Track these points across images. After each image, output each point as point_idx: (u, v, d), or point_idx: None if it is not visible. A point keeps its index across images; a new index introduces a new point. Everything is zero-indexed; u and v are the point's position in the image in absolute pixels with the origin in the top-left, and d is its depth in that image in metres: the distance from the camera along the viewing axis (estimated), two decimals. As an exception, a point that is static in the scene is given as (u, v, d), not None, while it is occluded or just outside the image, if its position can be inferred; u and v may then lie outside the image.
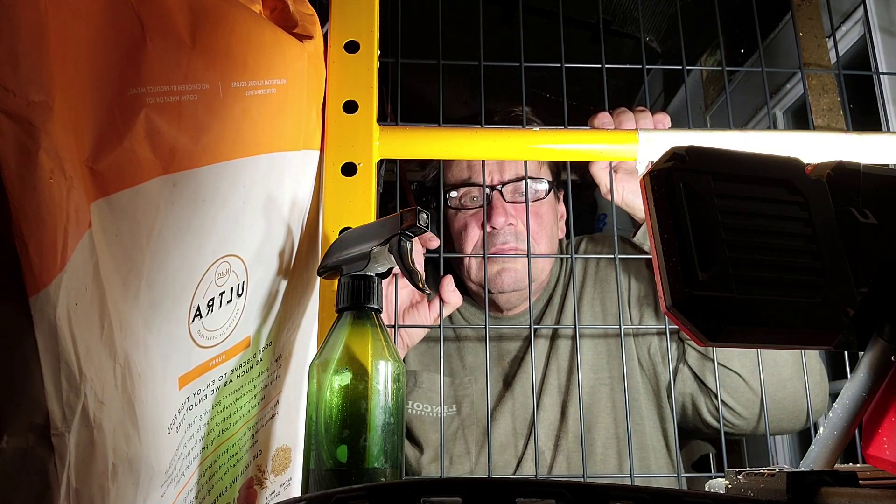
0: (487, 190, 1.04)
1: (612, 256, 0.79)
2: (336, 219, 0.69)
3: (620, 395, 1.02)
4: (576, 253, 1.16)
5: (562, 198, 1.17)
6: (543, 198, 1.06)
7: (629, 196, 0.95)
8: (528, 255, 0.80)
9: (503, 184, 1.04)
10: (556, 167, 1.15)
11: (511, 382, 1.05)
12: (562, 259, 1.14)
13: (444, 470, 1.00)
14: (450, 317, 1.08)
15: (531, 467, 0.98)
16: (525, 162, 0.84)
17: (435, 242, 0.88)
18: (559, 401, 1.03)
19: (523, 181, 1.04)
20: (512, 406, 1.03)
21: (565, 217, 1.16)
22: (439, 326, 0.77)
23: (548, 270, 1.11)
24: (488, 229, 1.03)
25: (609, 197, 0.88)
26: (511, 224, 1.03)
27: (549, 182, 1.08)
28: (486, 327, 0.74)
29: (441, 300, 0.85)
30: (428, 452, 1.02)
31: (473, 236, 1.05)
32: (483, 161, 0.83)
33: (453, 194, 1.08)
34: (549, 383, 1.03)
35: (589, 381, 1.03)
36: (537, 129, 0.76)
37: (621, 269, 1.05)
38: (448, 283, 0.86)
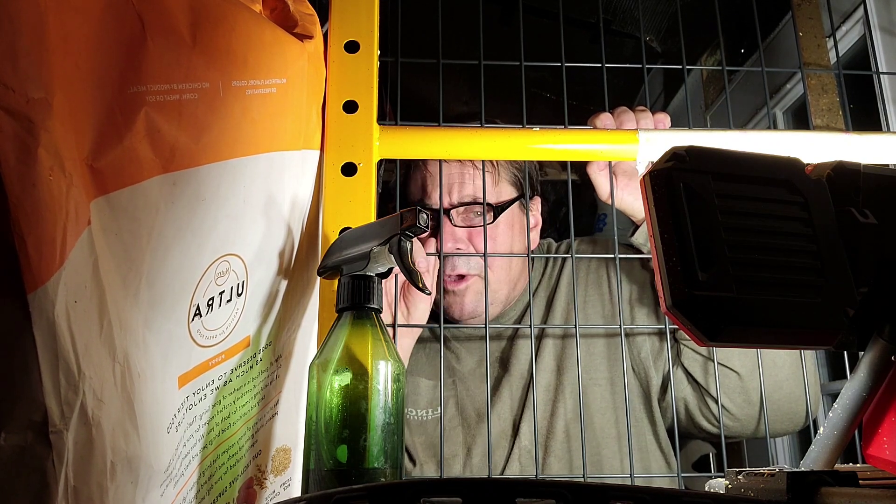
0: (434, 214, 1.01)
1: (606, 257, 0.79)
2: (336, 219, 0.69)
3: (613, 396, 1.02)
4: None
5: (536, 205, 1.13)
6: (492, 222, 1.03)
7: (628, 199, 0.95)
8: (528, 255, 0.80)
9: (452, 207, 1.02)
10: (525, 176, 1.07)
11: (499, 383, 1.04)
12: (546, 261, 1.13)
13: (436, 474, 0.99)
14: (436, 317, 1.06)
15: (517, 467, 0.98)
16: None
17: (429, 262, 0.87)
18: (547, 398, 1.02)
19: (474, 203, 1.02)
20: (500, 407, 1.03)
21: (539, 226, 1.13)
22: (439, 326, 0.77)
23: (505, 290, 1.07)
24: (435, 253, 1.01)
25: (607, 200, 0.88)
26: (459, 248, 1.01)
27: (508, 201, 1.04)
28: (485, 326, 0.74)
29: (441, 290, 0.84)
30: (418, 460, 1.02)
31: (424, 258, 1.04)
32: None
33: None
34: (538, 382, 1.02)
35: (582, 381, 1.02)
36: (537, 128, 0.76)
37: (615, 271, 1.05)
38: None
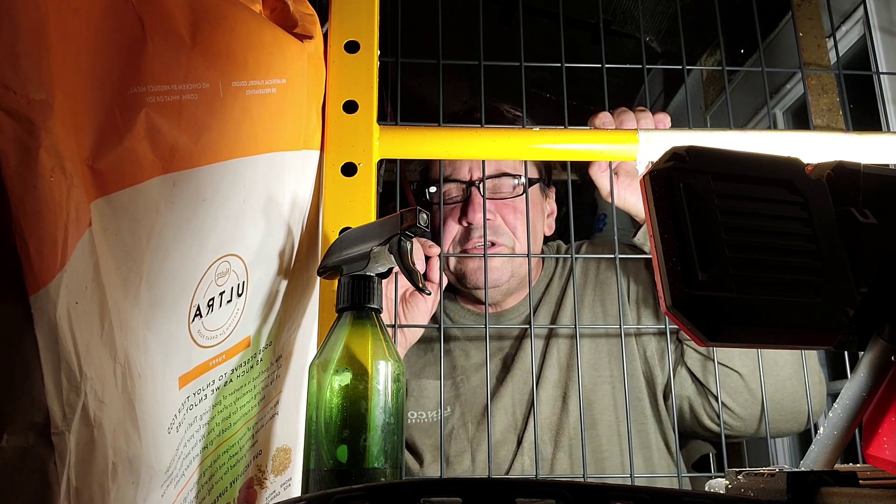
0: (465, 186, 1.06)
1: (612, 257, 0.79)
2: (336, 219, 0.69)
3: (621, 394, 1.02)
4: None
5: (552, 195, 1.17)
6: (521, 193, 1.06)
7: (630, 199, 0.95)
8: (528, 255, 0.80)
9: (481, 179, 1.04)
10: (547, 164, 1.15)
11: (505, 379, 1.05)
12: (556, 262, 1.15)
13: (444, 471, 1.00)
14: (438, 317, 1.07)
15: (525, 462, 0.98)
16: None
17: (435, 250, 0.88)
18: (557, 395, 1.02)
19: (502, 176, 1.06)
20: (508, 403, 1.03)
21: (555, 214, 1.17)
22: (439, 327, 0.77)
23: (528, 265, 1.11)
24: (465, 224, 1.05)
25: (609, 200, 0.88)
26: (489, 220, 1.03)
27: (532, 178, 1.08)
28: (486, 326, 0.74)
29: (441, 293, 0.86)
30: (426, 459, 1.02)
31: (452, 231, 1.07)
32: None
33: (433, 190, 1.10)
34: (547, 378, 1.03)
35: (590, 379, 1.03)
36: (537, 128, 0.76)
37: (620, 272, 1.05)
38: (434, 264, 0.90)
